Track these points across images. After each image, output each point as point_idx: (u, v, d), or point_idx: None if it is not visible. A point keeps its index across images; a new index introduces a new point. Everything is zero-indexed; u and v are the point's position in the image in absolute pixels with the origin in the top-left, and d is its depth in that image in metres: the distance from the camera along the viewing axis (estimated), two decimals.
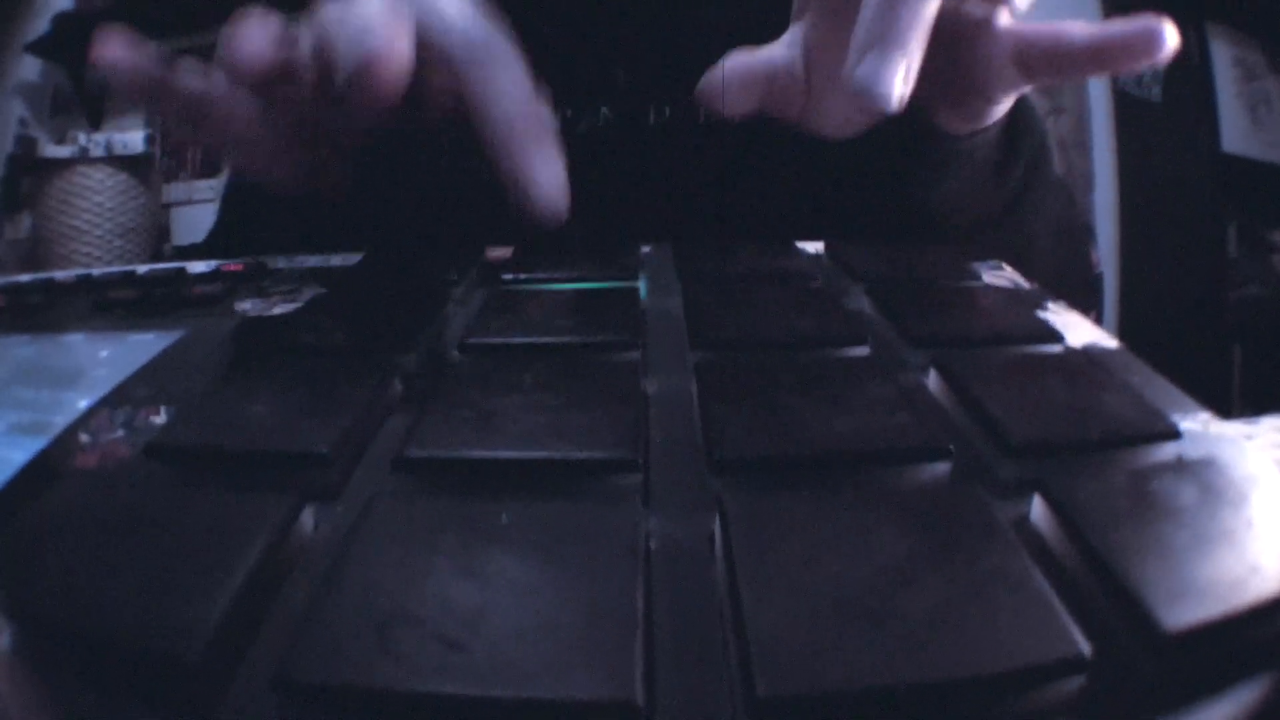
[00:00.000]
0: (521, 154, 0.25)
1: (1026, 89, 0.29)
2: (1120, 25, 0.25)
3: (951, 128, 0.30)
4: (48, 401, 0.17)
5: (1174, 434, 0.15)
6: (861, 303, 0.22)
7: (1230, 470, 0.13)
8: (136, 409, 0.16)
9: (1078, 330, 0.20)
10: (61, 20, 1.59)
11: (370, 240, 0.28)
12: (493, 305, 0.21)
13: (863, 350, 0.18)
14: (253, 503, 0.12)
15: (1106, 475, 0.13)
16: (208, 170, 1.73)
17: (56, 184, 1.58)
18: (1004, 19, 0.27)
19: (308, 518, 0.12)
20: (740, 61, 0.29)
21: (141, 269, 0.27)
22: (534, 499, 0.12)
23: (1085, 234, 0.54)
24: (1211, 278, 1.59)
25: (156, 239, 1.68)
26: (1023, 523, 0.13)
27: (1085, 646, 0.09)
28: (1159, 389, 0.17)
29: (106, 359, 0.20)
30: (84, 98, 1.66)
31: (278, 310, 0.22)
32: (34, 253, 1.59)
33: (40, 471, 0.15)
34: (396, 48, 0.23)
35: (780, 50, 0.29)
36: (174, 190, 1.76)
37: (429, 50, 0.24)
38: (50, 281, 0.26)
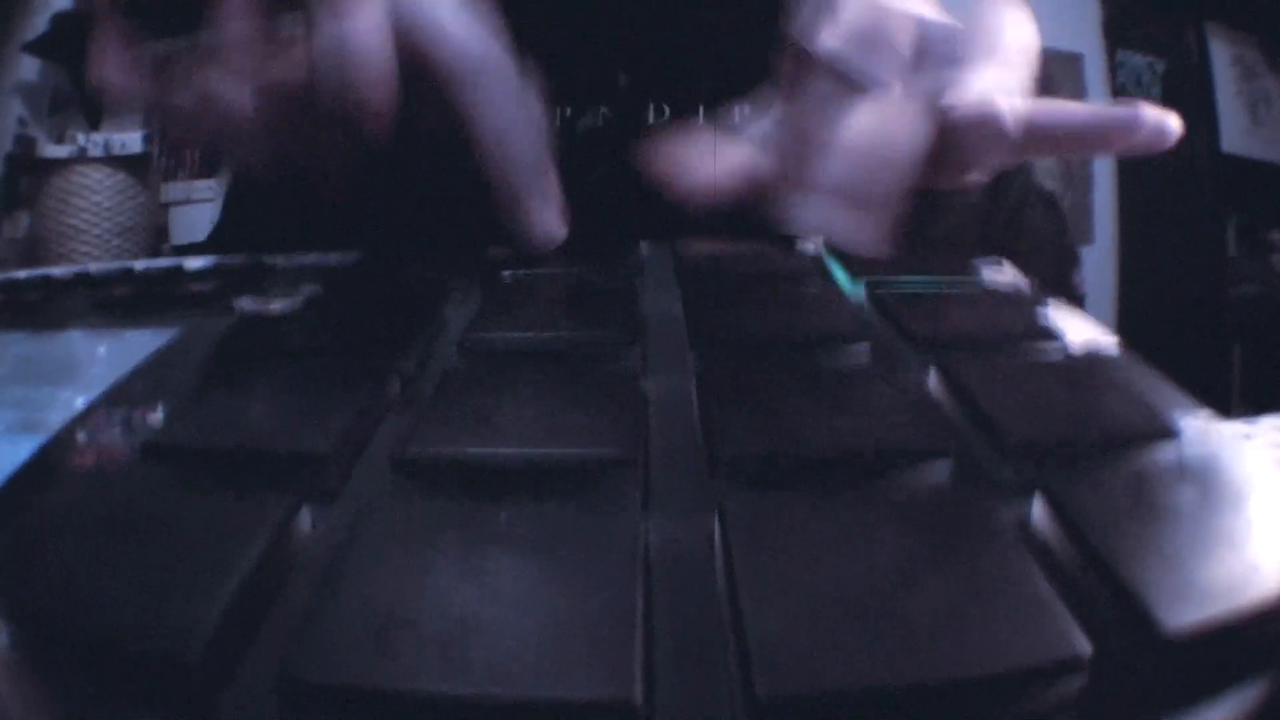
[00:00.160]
0: (515, 177, 0.24)
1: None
2: (1124, 112, 0.25)
3: (941, 186, 0.30)
4: (44, 399, 0.17)
5: (1174, 434, 0.15)
6: (861, 303, 0.22)
7: (1230, 470, 0.13)
8: (134, 408, 0.16)
9: (1078, 330, 0.20)
10: (60, 20, 1.59)
11: (370, 240, 0.28)
12: (492, 305, 0.21)
13: (863, 350, 0.18)
14: (251, 502, 0.12)
15: (1106, 476, 0.13)
16: (206, 170, 1.73)
17: (55, 183, 1.57)
18: (1008, 117, 0.26)
19: (306, 517, 0.12)
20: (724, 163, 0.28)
21: (139, 265, 0.27)
22: (533, 499, 0.12)
23: (1070, 258, 0.53)
24: (1211, 277, 1.59)
25: (155, 238, 1.68)
26: (1023, 523, 0.13)
27: (1085, 646, 0.09)
28: (1158, 389, 0.17)
29: (103, 356, 0.19)
30: (82, 97, 1.66)
31: (275, 308, 0.22)
32: (32, 252, 1.59)
33: (38, 471, 0.14)
34: (376, 74, 0.23)
35: (750, 152, 0.28)
36: (172, 190, 1.75)
37: (425, 62, 0.24)
38: (47, 278, 0.26)
